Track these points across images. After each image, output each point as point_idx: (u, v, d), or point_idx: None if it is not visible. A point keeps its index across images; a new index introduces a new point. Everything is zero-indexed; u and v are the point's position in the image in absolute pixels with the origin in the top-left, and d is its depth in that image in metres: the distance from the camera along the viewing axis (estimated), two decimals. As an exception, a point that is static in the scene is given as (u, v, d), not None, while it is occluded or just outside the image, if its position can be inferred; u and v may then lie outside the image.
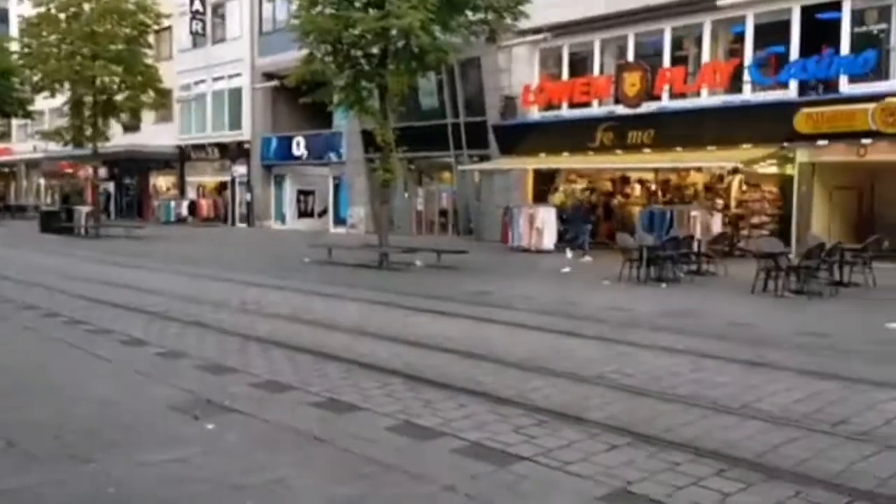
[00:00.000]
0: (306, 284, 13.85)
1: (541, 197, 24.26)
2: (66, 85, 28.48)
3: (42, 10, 27.88)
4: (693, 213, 18.11)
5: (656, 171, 23.16)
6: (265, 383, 6.56)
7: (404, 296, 12.33)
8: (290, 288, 13.34)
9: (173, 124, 40.44)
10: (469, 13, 17.17)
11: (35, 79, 28.16)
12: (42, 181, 54.96)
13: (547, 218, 21.32)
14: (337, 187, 34.45)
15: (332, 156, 32.96)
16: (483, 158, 26.19)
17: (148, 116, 38.64)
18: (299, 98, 19.77)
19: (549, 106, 23.52)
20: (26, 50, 28.32)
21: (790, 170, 19.47)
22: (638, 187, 24.11)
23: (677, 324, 9.79)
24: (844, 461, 4.72)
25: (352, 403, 5.92)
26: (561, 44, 23.72)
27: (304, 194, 37.35)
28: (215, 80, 38.73)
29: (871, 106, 16.07)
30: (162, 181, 44.33)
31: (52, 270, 16.29)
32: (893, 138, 16.39)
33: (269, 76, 36.09)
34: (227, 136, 37.99)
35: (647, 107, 20.66)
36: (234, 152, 37.80)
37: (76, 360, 7.58)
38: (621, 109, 21.19)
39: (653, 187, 23.28)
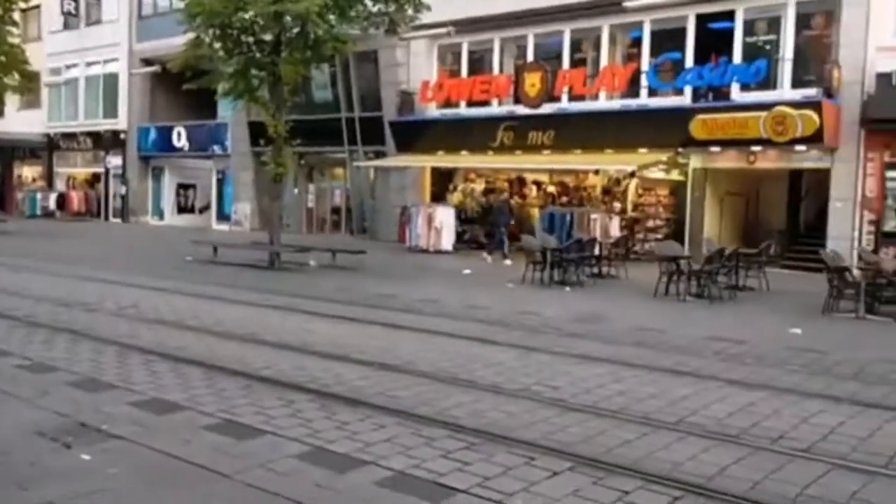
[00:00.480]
0: (191, 286, 12.79)
1: (438, 196, 23.87)
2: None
3: None
4: (593, 216, 18.11)
5: (551, 172, 23.28)
6: (150, 402, 5.72)
7: (302, 299, 11.54)
8: (174, 290, 12.25)
9: (41, 111, 37.47)
10: (369, 2, 16.49)
11: None
12: None
13: (446, 218, 20.89)
14: (220, 181, 32.90)
15: (217, 148, 31.40)
16: (379, 155, 25.53)
17: (12, 101, 35.51)
18: (183, 85, 18.48)
19: (448, 103, 23.10)
20: None
21: (677, 175, 19.93)
22: (534, 188, 24.13)
23: (589, 329, 9.50)
24: (798, 483, 4.42)
25: (254, 427, 5.18)
26: (460, 40, 23.37)
27: (184, 188, 35.43)
28: (89, 64, 36.15)
29: (762, 114, 16.48)
30: (27, 171, 41.10)
31: None
32: (781, 147, 16.91)
33: (148, 62, 34.06)
34: (101, 124, 35.55)
35: (548, 108, 20.57)
36: (108, 142, 35.42)
37: (-82, 375, 6.46)
38: (522, 109, 21.00)
39: (549, 189, 23.31)
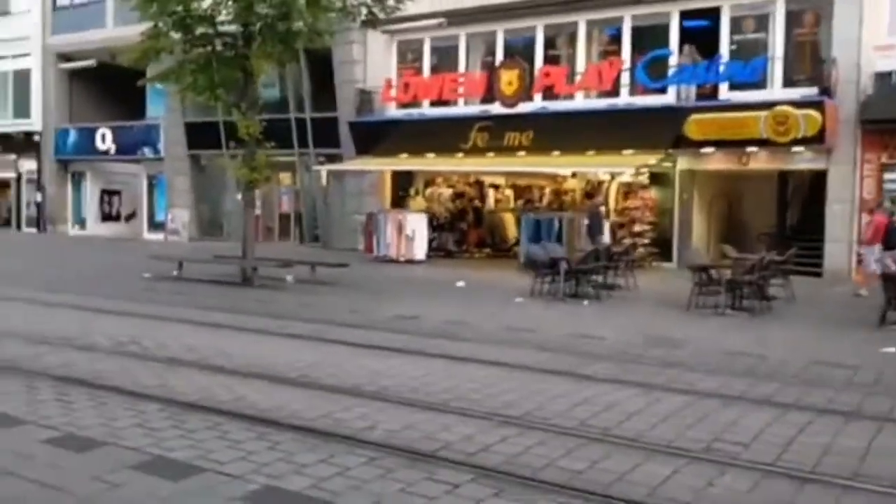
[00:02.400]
0: (182, 311, 11.04)
1: (400, 202, 22.51)
2: None
3: None
4: (585, 221, 17.15)
5: (506, 175, 22.49)
6: (265, 495, 4.26)
7: (319, 325, 10.02)
8: (164, 317, 10.50)
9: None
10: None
11: None
12: None
13: (418, 225, 19.54)
14: (151, 187, 30.47)
15: (147, 151, 28.99)
16: (333, 158, 23.93)
17: None
18: (138, 81, 16.57)
19: (412, 102, 21.76)
20: None
21: (640, 178, 19.27)
22: (495, 191, 23.18)
23: (676, 356, 8.40)
24: None
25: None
26: (421, 37, 22.07)
27: (108, 194, 32.65)
28: (-4, 59, 32.97)
29: (762, 114, 15.92)
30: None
31: None
32: (777, 147, 16.41)
33: (64, 57, 31.27)
34: (12, 125, 32.37)
35: (525, 107, 19.49)
36: (20, 145, 32.30)
37: None
38: (497, 109, 19.85)
39: (506, 192, 22.49)
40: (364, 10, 15.82)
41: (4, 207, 33.36)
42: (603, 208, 18.23)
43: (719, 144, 17.02)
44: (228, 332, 9.52)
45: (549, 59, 20.15)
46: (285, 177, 26.77)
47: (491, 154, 19.94)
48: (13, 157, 32.93)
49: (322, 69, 23.91)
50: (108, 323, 9.95)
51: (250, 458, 4.82)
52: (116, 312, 10.80)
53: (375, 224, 20.29)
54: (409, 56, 23.02)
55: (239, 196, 27.02)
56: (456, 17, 20.82)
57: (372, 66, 22.86)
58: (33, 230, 31.97)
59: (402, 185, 23.20)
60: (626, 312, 11.93)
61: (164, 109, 28.23)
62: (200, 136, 27.11)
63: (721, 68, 17.05)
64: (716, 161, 17.82)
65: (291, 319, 10.44)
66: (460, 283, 15.25)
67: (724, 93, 17.55)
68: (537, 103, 19.62)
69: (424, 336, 9.45)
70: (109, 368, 7.22)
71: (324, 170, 22.75)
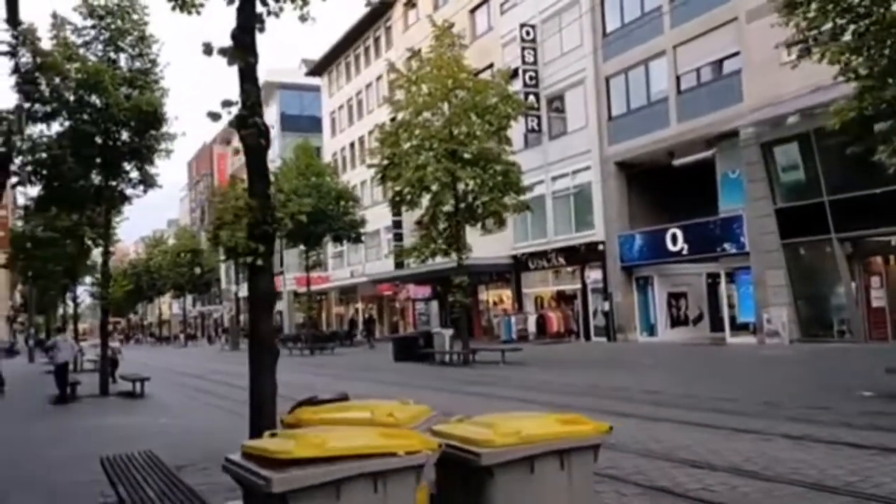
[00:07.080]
0: None
1: None
2: (426, 195, 25.11)
3: (402, 115, 25.06)
4: None
5: None
6: None
7: None
8: None
9: (505, 233, 36.13)
10: None
11: (396, 190, 25.19)
12: (360, 306, 54.31)
13: None
14: (729, 285, 27.86)
15: (728, 246, 26.56)
16: None
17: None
18: (847, 148, 13.75)
19: None
20: (385, 161, 25.51)
21: None
22: None
23: None
24: None
25: None
26: None
27: (674, 298, 31.14)
28: (555, 178, 34.59)
29: None
30: (491, 295, 40.60)
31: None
32: None
33: (621, 165, 31.24)
34: (574, 238, 33.29)
35: None
36: (583, 256, 32.89)
37: None
38: None
39: None
40: None
41: (571, 319, 33.96)
42: None
43: None
44: None
45: None
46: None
47: None
48: (573, 269, 33.69)
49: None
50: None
51: None
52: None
53: None
54: None
55: (853, 285, 23.01)
56: None
57: None
58: (602, 339, 31.76)
59: None
60: None
61: (742, 199, 25.79)
62: (797, 222, 23.83)
63: None
64: None
65: None
66: None
67: None
68: None
69: None
70: None
71: None
